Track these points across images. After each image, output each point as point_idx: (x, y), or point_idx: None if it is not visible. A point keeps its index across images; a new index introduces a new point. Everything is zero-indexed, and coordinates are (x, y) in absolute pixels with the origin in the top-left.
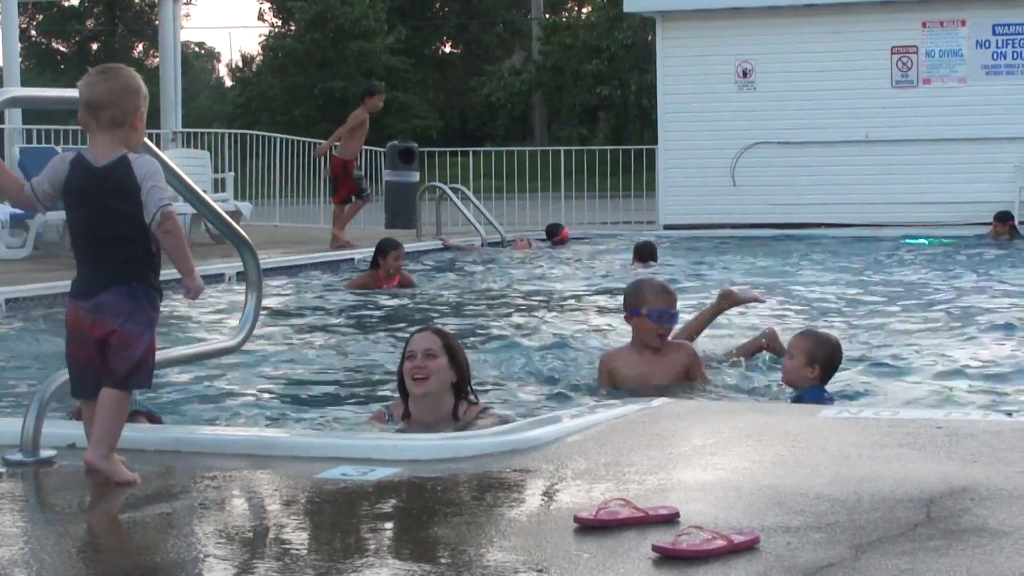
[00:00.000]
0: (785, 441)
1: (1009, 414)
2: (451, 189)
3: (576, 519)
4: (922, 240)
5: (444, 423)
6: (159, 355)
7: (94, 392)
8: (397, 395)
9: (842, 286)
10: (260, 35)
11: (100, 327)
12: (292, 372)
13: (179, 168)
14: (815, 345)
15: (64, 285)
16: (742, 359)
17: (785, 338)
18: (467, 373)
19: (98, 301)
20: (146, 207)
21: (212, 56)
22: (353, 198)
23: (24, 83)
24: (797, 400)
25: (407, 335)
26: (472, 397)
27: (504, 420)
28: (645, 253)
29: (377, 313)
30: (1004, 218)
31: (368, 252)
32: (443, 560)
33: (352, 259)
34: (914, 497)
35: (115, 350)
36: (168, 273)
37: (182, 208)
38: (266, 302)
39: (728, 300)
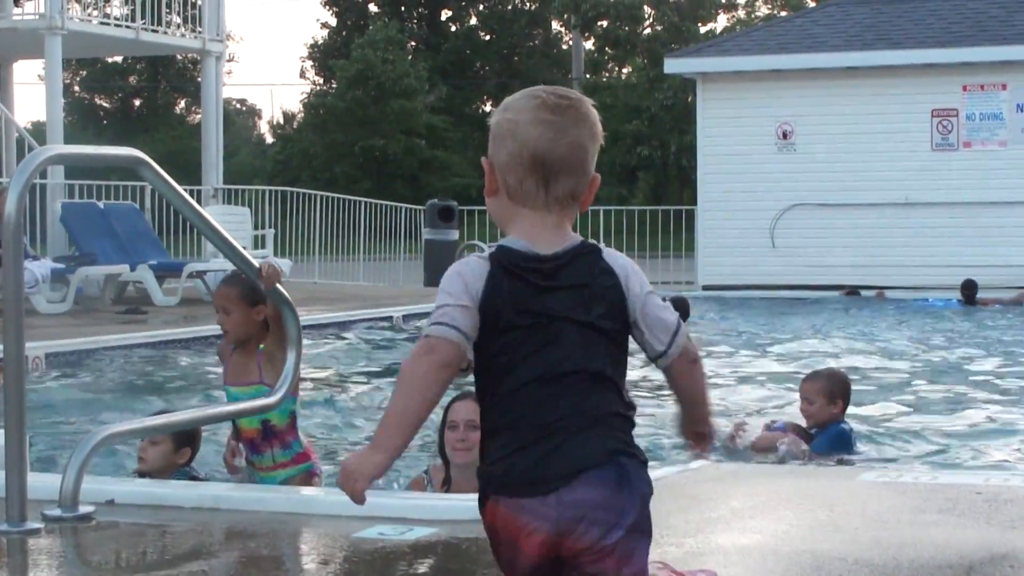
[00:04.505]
0: (823, 505)
1: None
2: (490, 247)
3: None
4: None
5: None
6: (198, 412)
7: None
8: (436, 458)
9: (880, 350)
10: (301, 92)
11: (569, 543)
12: (333, 429)
13: (219, 224)
14: (830, 383)
15: (106, 340)
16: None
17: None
18: None
19: (568, 500)
20: (651, 327)
21: (253, 113)
22: None
23: (67, 139)
24: (838, 434)
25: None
26: None
27: None
28: (678, 309)
29: None
30: None
31: (408, 309)
32: None
33: (390, 317)
34: (953, 563)
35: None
36: (199, 330)
37: (222, 264)
38: (308, 357)
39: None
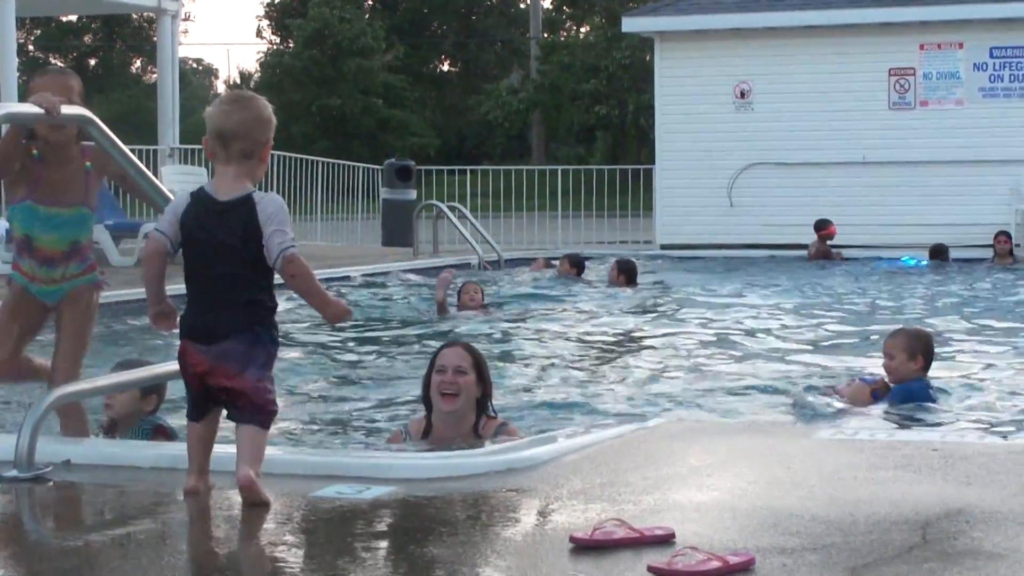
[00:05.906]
0: (781, 462)
1: (1004, 436)
2: (448, 207)
3: (572, 539)
4: (906, 259)
5: (465, 438)
6: (153, 370)
7: (211, 415)
8: (404, 415)
9: (843, 307)
10: (258, 52)
11: (219, 374)
12: (294, 389)
13: (169, 183)
14: (912, 339)
15: None
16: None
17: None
18: (490, 388)
19: (220, 349)
20: (268, 251)
21: (210, 72)
22: None
23: (21, 98)
24: (901, 392)
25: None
26: (492, 412)
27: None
28: (625, 270)
29: (387, 332)
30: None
31: (367, 269)
32: None
33: (349, 276)
34: (909, 519)
35: (238, 394)
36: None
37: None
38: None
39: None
